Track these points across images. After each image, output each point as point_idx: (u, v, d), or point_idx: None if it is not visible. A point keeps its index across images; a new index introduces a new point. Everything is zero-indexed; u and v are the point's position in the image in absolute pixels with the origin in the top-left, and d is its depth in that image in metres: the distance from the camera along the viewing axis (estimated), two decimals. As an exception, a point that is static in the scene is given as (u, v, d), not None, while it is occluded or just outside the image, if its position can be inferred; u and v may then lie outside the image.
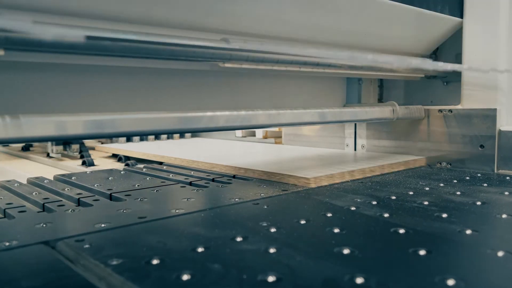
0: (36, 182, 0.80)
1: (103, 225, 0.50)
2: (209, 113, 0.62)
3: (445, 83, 1.03)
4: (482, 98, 0.90)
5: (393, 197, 0.62)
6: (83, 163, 1.17)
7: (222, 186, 0.74)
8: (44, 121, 0.48)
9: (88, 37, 0.46)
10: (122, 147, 1.33)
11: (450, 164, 0.92)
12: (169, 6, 0.57)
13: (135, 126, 0.55)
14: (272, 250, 0.41)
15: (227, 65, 0.60)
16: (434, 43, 1.00)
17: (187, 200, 0.63)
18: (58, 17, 0.51)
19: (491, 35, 0.89)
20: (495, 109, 0.88)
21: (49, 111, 0.56)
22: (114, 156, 1.33)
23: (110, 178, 0.84)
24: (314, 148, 1.13)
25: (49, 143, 1.32)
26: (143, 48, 0.51)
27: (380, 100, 1.15)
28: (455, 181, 0.75)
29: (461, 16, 0.93)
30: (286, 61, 0.65)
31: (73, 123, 0.51)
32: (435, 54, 1.03)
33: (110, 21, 0.55)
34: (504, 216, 0.52)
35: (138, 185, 0.75)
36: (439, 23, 0.92)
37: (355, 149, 1.08)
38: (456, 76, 0.97)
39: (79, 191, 0.72)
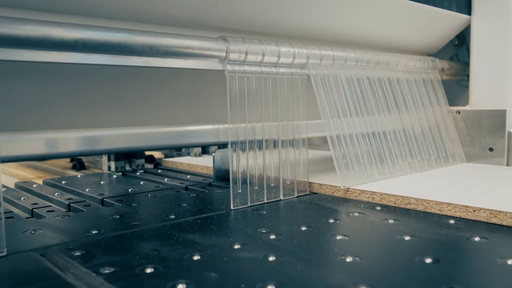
0: (24, 187, 0.80)
1: (94, 232, 0.50)
2: (210, 126, 0.63)
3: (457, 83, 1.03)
4: (491, 98, 0.91)
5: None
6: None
7: (220, 191, 0.74)
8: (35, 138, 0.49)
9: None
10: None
11: (458, 168, 0.92)
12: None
13: (128, 142, 0.56)
14: (271, 258, 0.41)
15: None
16: (441, 41, 1.00)
17: (182, 205, 0.63)
18: (53, 15, 0.51)
19: (499, 32, 0.90)
20: (505, 110, 0.88)
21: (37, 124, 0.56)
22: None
23: (102, 183, 0.84)
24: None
25: (104, 157, 1.00)
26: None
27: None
28: (463, 185, 0.75)
29: (469, 13, 0.93)
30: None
31: (65, 140, 0.51)
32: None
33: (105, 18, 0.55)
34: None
35: (131, 190, 0.75)
36: (446, 20, 0.92)
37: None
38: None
39: (69, 196, 0.72)
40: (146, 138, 0.58)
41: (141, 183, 0.83)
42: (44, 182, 0.86)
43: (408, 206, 0.60)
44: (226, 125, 0.62)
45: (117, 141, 0.56)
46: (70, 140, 0.52)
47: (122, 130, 0.56)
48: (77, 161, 1.19)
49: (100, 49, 0.49)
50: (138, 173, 0.96)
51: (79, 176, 0.95)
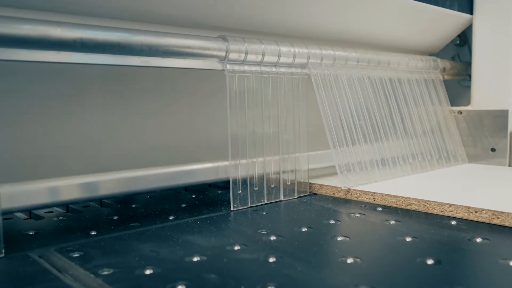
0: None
1: (93, 233, 0.50)
2: (209, 164, 0.65)
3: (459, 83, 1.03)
4: (493, 98, 0.91)
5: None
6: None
7: (220, 192, 0.74)
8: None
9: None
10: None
11: (459, 168, 0.92)
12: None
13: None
14: (271, 259, 0.41)
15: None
16: (443, 41, 1.00)
17: (182, 206, 0.63)
18: (52, 14, 0.51)
19: (502, 32, 0.90)
20: (507, 110, 0.88)
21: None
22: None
23: (101, 183, 0.83)
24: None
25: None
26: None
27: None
28: (465, 186, 0.75)
29: (471, 12, 0.93)
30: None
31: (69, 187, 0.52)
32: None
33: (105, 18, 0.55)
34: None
35: (130, 191, 0.75)
36: (448, 19, 0.92)
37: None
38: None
39: (68, 197, 0.71)
40: (148, 180, 0.59)
41: (140, 184, 0.83)
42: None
43: (409, 207, 0.60)
44: (226, 163, 0.64)
45: (118, 186, 0.57)
46: (72, 187, 0.53)
47: (123, 174, 0.57)
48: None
49: (99, 48, 0.49)
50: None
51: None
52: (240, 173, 0.62)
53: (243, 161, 0.62)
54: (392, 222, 0.53)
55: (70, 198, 0.53)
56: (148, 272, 0.38)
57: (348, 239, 0.47)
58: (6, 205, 0.47)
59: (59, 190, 0.52)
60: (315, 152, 0.74)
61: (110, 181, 0.55)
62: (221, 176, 0.66)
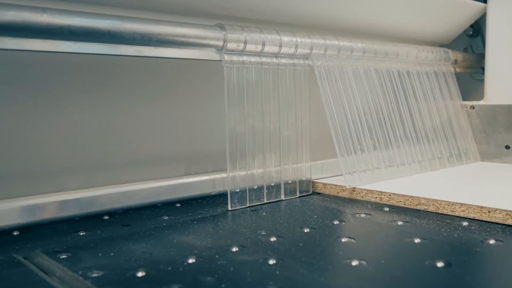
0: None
1: (82, 233, 0.50)
2: (206, 177, 0.68)
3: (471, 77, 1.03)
4: (508, 92, 0.91)
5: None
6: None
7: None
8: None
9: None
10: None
11: (471, 167, 0.92)
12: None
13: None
14: (271, 262, 0.41)
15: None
16: (455, 31, 1.00)
17: (176, 205, 0.63)
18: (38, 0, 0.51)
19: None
20: (523, 105, 0.88)
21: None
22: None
23: (90, 181, 0.83)
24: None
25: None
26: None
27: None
28: (477, 185, 0.75)
29: (485, 1, 0.93)
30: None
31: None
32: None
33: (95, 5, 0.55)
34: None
35: (121, 189, 0.75)
36: (460, 8, 0.92)
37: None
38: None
39: (55, 195, 0.71)
40: (141, 195, 0.61)
41: (132, 182, 0.83)
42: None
43: (418, 207, 0.60)
44: (223, 175, 0.67)
45: (112, 201, 0.59)
46: (63, 203, 0.55)
47: (116, 189, 0.59)
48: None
49: (88, 36, 0.48)
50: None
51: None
52: (238, 171, 0.62)
53: (242, 158, 0.62)
54: (400, 222, 0.53)
55: (60, 215, 0.55)
56: (140, 274, 0.38)
57: (353, 240, 0.47)
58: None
59: (47, 207, 0.54)
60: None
61: (103, 196, 0.58)
62: (218, 189, 0.68)
